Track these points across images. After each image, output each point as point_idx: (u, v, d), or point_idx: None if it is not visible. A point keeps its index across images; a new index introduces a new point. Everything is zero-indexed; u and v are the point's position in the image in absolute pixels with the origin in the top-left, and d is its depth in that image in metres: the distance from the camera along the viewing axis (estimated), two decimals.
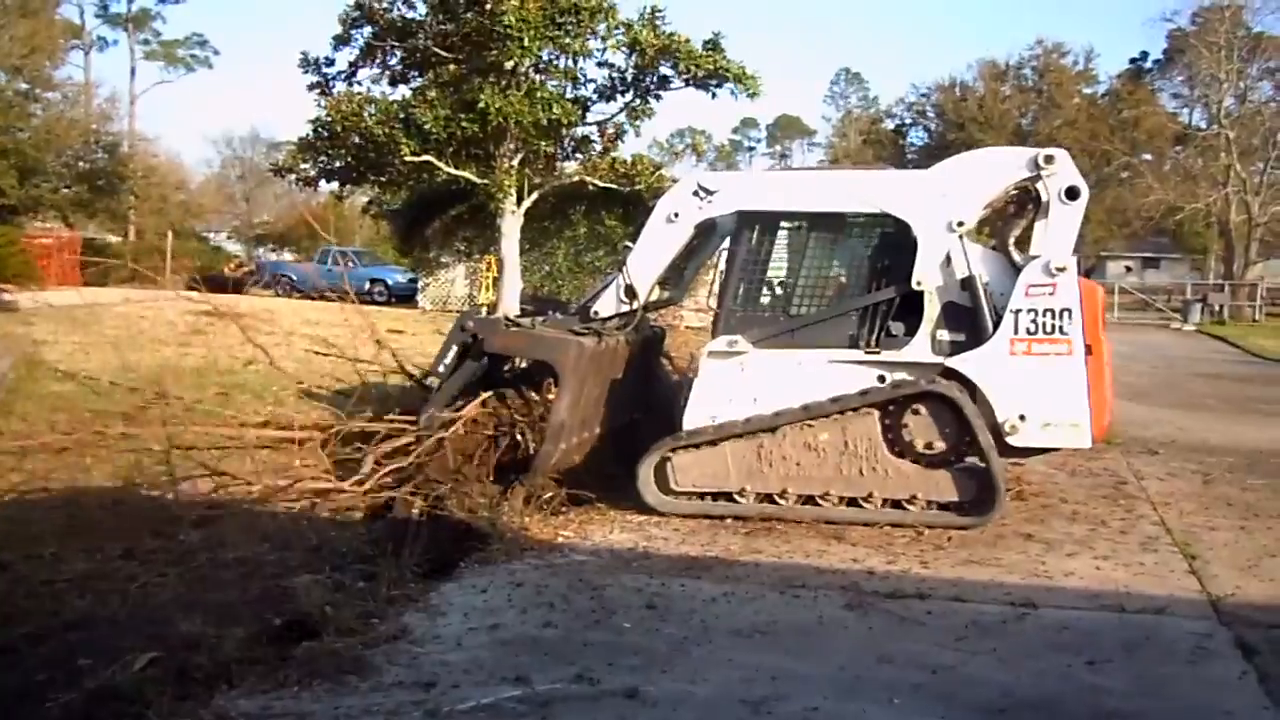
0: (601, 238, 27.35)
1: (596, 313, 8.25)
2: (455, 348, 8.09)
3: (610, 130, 23.86)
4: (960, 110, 64.55)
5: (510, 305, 23.57)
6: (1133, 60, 66.84)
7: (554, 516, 7.41)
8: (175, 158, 59.41)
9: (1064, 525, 7.56)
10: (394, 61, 23.44)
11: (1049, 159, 7.42)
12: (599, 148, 24.16)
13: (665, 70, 21.99)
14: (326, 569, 6.04)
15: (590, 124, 23.68)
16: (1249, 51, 52.09)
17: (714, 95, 22.34)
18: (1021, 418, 7.29)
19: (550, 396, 8.05)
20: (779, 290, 8.07)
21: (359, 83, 23.61)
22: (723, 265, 8.25)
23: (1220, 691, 4.62)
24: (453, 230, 29.55)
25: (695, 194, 7.93)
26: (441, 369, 8.13)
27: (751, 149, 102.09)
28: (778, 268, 8.06)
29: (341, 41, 23.11)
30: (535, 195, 23.66)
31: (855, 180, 7.93)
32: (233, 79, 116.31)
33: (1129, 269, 56.19)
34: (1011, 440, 7.34)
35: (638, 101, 22.98)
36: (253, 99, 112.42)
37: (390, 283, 34.64)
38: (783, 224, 8.09)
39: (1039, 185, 7.46)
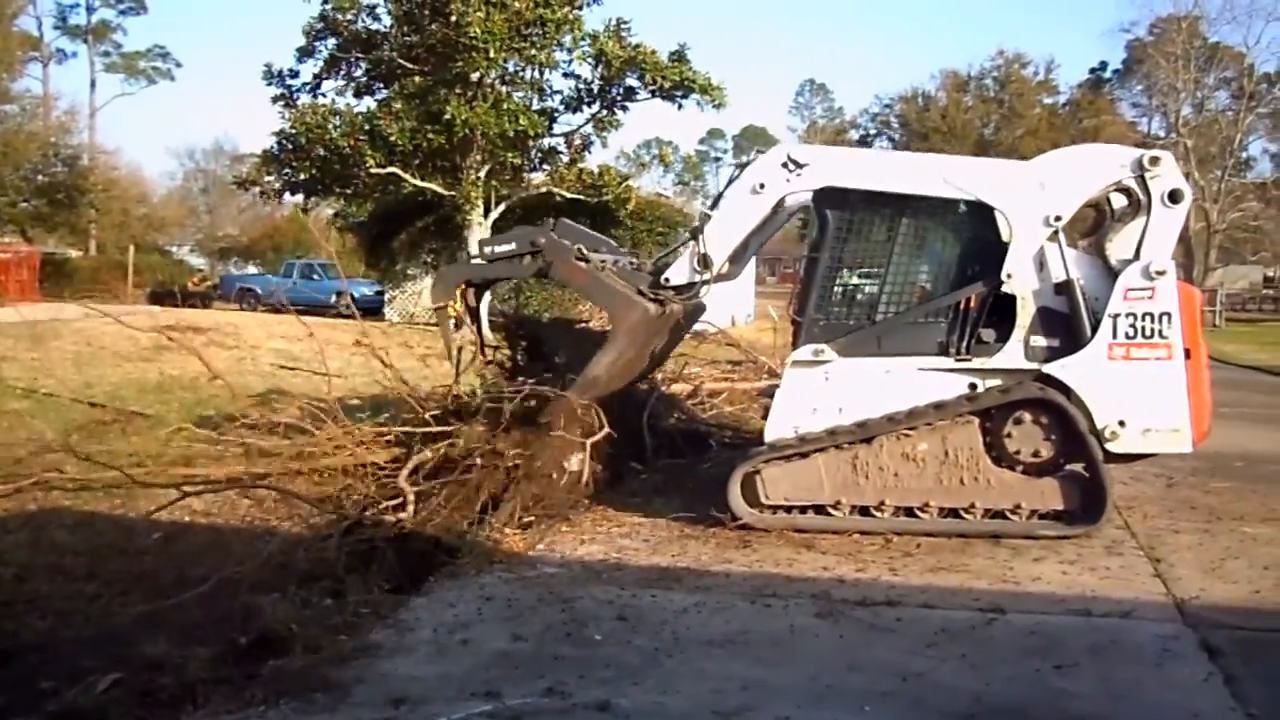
0: None
1: (668, 279, 7.89)
2: (514, 245, 7.97)
3: (577, 141, 23.93)
4: (924, 120, 65.22)
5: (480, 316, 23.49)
6: (1092, 70, 67.99)
7: (524, 530, 7.36)
8: (136, 170, 58.82)
9: None
10: (359, 73, 23.41)
11: (1154, 160, 7.25)
12: (566, 159, 24.21)
13: (631, 81, 22.10)
14: (293, 586, 5.96)
15: (557, 135, 23.74)
16: (1206, 61, 53.09)
17: (680, 106, 22.52)
18: (1121, 424, 7.17)
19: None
20: (864, 295, 7.84)
21: (323, 95, 23.55)
22: (802, 271, 7.96)
23: (1187, 693, 4.66)
24: (419, 242, 29.47)
25: (784, 165, 7.60)
26: (491, 250, 8.02)
27: (718, 159, 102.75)
28: (863, 269, 7.83)
29: (306, 53, 23.03)
30: (502, 207, 23.65)
31: (951, 165, 7.69)
32: (195, 91, 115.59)
33: None
34: (1111, 446, 7.20)
35: (604, 113, 23.06)
36: (216, 111, 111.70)
37: (356, 295, 34.37)
38: (869, 213, 7.72)
39: (1141, 186, 7.28)
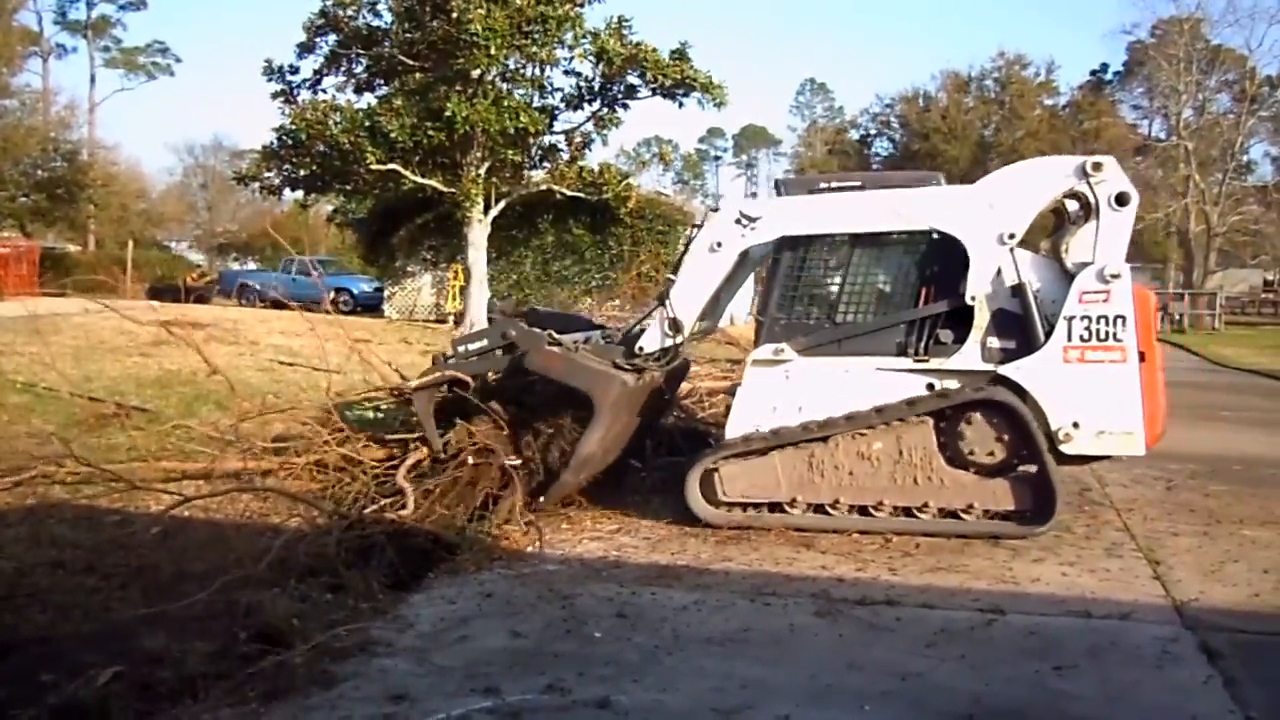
0: (569, 246, 27.35)
1: (642, 348, 7.98)
2: (485, 341, 8.01)
3: (578, 139, 23.87)
4: (924, 121, 65.19)
5: (478, 315, 23.51)
6: (1093, 72, 67.98)
7: (524, 527, 7.37)
8: (136, 166, 58.78)
9: None
10: (359, 70, 23.35)
11: (1097, 166, 7.34)
12: (566, 156, 24.15)
13: (632, 79, 22.04)
14: (293, 581, 5.97)
15: (558, 133, 23.66)
16: (1208, 64, 53.07)
17: (681, 105, 22.46)
18: (1075, 425, 7.23)
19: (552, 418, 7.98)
20: (825, 298, 7.96)
21: (324, 91, 23.49)
22: (765, 271, 8.12)
23: (1186, 696, 4.66)
24: (419, 239, 29.45)
25: (738, 222, 7.78)
26: (464, 348, 8.04)
27: (718, 158, 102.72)
28: (824, 277, 7.98)
29: (306, 49, 22.98)
30: (502, 204, 23.62)
31: (901, 199, 7.77)
32: (195, 86, 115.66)
33: None
34: (1065, 448, 7.27)
35: (605, 110, 23.00)
36: (215, 107, 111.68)
37: (355, 292, 34.46)
38: (827, 250, 7.97)
39: (1088, 192, 7.37)
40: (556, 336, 7.84)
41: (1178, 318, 40.40)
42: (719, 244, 7.83)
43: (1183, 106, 53.35)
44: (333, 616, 5.46)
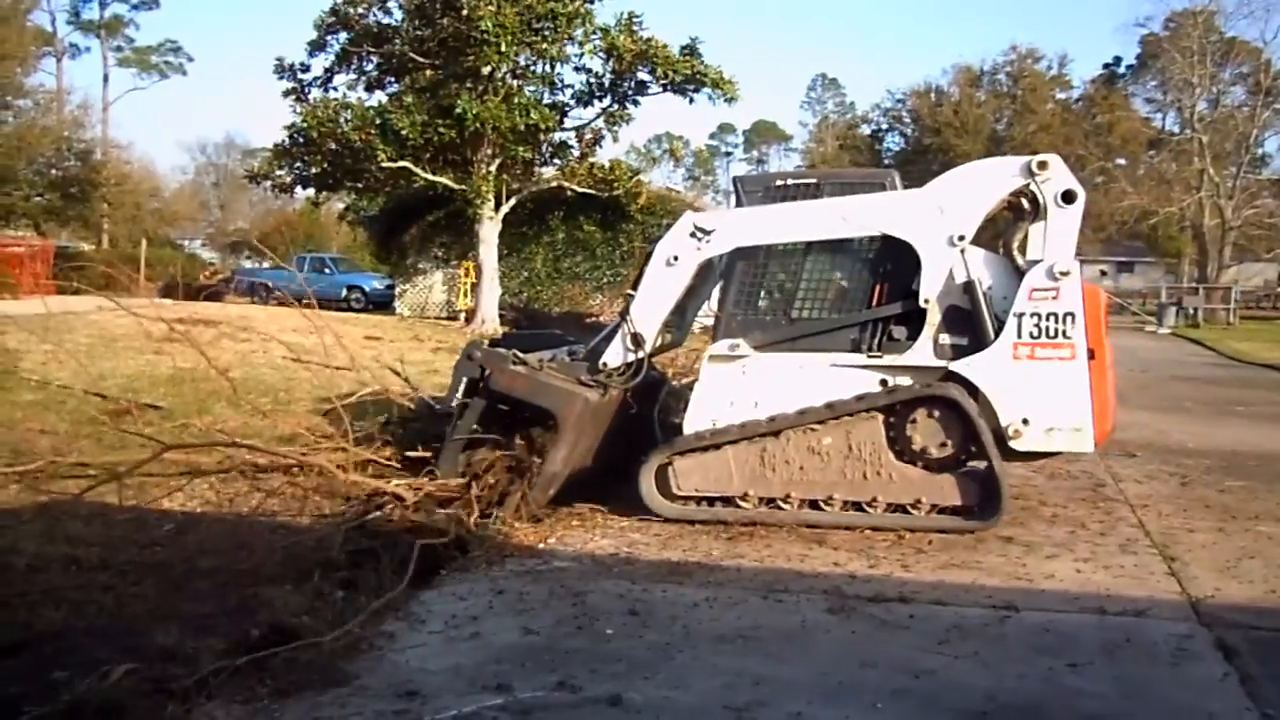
0: (580, 243, 27.36)
1: (605, 364, 7.98)
2: (465, 379, 7.99)
3: (588, 135, 23.92)
4: (936, 116, 65.00)
5: (489, 311, 23.54)
6: (1106, 65, 67.74)
7: (535, 524, 7.38)
8: (148, 164, 59.03)
9: (1044, 528, 7.58)
10: (370, 67, 23.44)
11: (1042, 165, 7.39)
12: (577, 153, 24.21)
13: (643, 75, 22.09)
14: (305, 578, 5.97)
15: (568, 129, 23.73)
16: (1221, 56, 52.74)
17: (692, 100, 22.51)
18: (1025, 422, 7.25)
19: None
20: (781, 296, 8.03)
21: (335, 89, 23.61)
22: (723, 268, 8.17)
23: (1202, 693, 4.63)
24: (430, 236, 29.50)
25: (692, 235, 7.83)
26: (452, 400, 8.03)
27: (729, 154, 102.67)
28: (779, 277, 8.05)
29: (317, 48, 23.07)
30: (513, 201, 23.66)
31: (852, 206, 7.80)
32: (207, 85, 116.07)
33: (1104, 273, 56.64)
34: (1014, 444, 7.29)
35: (616, 107, 23.04)
36: (227, 105, 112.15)
37: (367, 289, 34.54)
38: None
39: (1035, 191, 7.43)
40: (520, 355, 7.83)
41: (1192, 312, 40.18)
42: (675, 258, 7.88)
43: (1196, 100, 53.05)
44: (344, 613, 5.46)
